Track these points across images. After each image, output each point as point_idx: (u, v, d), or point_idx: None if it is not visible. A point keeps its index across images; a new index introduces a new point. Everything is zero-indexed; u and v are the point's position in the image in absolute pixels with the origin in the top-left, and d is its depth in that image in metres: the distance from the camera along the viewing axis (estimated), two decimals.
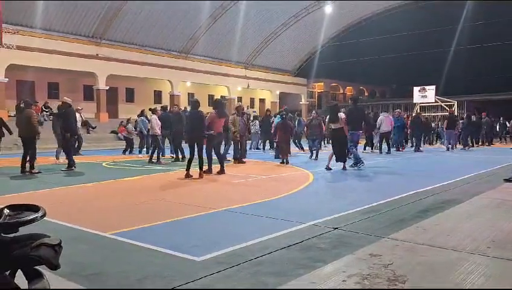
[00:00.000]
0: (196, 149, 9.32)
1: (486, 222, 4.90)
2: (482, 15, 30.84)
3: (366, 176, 9.77)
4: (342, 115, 10.67)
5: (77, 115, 15.29)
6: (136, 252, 3.95)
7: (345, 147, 10.59)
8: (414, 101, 30.95)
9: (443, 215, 5.29)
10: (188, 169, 9.21)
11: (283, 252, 3.84)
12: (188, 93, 32.64)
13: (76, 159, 12.91)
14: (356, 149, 11.20)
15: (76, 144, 15.20)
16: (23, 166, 9.93)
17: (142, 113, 15.93)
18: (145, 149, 15.24)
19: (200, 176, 9.11)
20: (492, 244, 3.97)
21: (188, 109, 13.98)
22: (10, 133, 12.92)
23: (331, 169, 10.31)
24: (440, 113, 30.34)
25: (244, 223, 5.19)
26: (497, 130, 25.39)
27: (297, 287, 3.06)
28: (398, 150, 17.37)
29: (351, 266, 3.42)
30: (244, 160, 12.57)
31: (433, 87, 30.15)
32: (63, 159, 12.05)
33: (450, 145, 17.83)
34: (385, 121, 16.29)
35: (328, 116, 10.97)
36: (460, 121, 20.05)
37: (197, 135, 9.29)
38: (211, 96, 34.24)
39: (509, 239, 4.22)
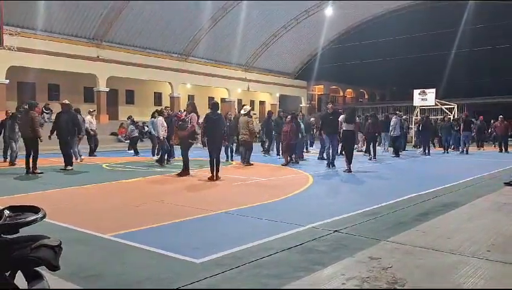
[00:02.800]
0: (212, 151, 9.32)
1: (487, 225, 4.90)
2: (483, 17, 30.84)
3: (367, 179, 9.77)
4: (356, 118, 11.49)
5: (89, 116, 15.67)
6: (135, 253, 3.95)
7: (353, 148, 11.32)
8: (414, 104, 30.89)
9: (443, 218, 5.29)
10: (212, 171, 9.21)
11: (283, 255, 3.84)
12: (188, 95, 32.65)
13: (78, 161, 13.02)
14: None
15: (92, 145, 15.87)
16: (28, 167, 10.10)
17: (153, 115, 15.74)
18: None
19: (211, 178, 9.11)
20: (493, 248, 3.96)
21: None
22: None
23: (351, 171, 10.46)
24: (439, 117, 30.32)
25: (244, 225, 5.18)
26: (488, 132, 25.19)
27: (298, 288, 3.06)
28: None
29: (350, 268, 3.42)
30: (251, 162, 12.63)
31: (433, 90, 30.11)
32: (85, 157, 13.03)
33: (465, 148, 18.06)
34: (398, 124, 16.24)
35: (344, 117, 11.06)
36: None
37: (219, 138, 9.47)
38: (211, 99, 34.21)
39: (510, 243, 4.22)
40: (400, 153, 16.26)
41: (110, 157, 15.16)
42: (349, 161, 10.61)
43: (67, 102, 11.47)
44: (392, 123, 16.24)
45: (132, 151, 16.74)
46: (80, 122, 12.27)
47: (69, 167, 10.87)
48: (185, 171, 9.74)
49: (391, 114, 17.83)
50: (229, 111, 19.60)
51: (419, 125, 18.26)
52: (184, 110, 10.47)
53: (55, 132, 11.01)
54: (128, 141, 18.36)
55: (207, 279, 3.22)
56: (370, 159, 14.21)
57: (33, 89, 24.13)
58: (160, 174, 10.35)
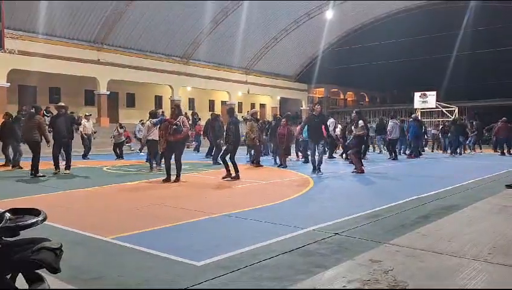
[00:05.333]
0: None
1: (488, 228, 4.89)
2: (484, 19, 30.87)
3: (367, 181, 9.76)
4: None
5: (84, 120, 16.02)
6: (136, 256, 3.95)
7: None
8: (415, 107, 30.95)
9: (444, 221, 5.28)
10: (236, 171, 9.69)
11: (284, 257, 3.83)
12: (189, 98, 32.69)
13: (78, 163, 13.03)
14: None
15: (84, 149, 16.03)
16: (32, 169, 10.14)
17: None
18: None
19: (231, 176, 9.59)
20: (494, 251, 3.95)
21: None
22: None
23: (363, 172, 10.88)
24: (440, 119, 30.32)
25: (245, 228, 5.18)
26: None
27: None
28: (414, 156, 17.00)
29: (351, 271, 3.41)
30: (261, 164, 12.94)
31: (434, 92, 30.16)
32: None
33: (459, 150, 18.69)
34: (396, 128, 16.31)
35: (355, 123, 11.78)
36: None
37: (239, 140, 10.13)
38: (211, 102, 34.32)
39: (511, 245, 4.21)
40: (396, 156, 16.30)
41: (111, 161, 15.17)
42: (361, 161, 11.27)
43: (62, 104, 11.52)
44: (388, 127, 16.37)
45: (140, 153, 16.74)
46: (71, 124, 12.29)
47: (67, 171, 10.78)
48: (177, 177, 9.27)
49: (392, 117, 17.92)
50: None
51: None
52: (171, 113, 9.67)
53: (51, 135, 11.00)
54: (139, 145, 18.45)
55: (208, 281, 3.22)
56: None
57: (34, 92, 24.19)
58: (161, 177, 10.33)
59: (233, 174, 9.64)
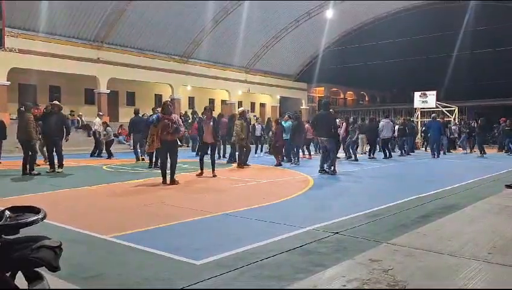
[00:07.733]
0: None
1: (488, 228, 4.88)
2: (484, 20, 30.84)
3: (367, 181, 9.76)
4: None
5: (97, 119, 16.44)
6: (135, 255, 3.95)
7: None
8: (415, 106, 30.88)
9: (444, 221, 5.28)
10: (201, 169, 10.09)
11: (283, 257, 3.84)
12: (189, 97, 32.67)
13: (78, 161, 13.03)
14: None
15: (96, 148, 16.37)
16: (24, 168, 10.10)
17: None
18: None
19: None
20: (494, 250, 3.95)
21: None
22: (4, 138, 12.98)
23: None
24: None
25: (245, 227, 5.18)
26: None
27: (298, 289, 3.06)
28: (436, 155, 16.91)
29: (351, 270, 3.41)
30: (248, 164, 12.75)
31: (434, 92, 30.07)
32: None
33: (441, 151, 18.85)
34: (386, 127, 16.32)
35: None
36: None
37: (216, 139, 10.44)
38: (211, 101, 34.31)
39: (511, 245, 4.20)
40: (391, 155, 16.32)
41: (110, 159, 15.16)
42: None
43: (57, 102, 11.50)
44: (379, 126, 16.47)
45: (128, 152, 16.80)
46: (69, 124, 12.39)
47: (60, 169, 10.69)
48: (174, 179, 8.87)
49: (386, 117, 18.13)
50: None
51: (404, 128, 18.41)
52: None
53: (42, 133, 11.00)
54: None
55: (207, 280, 3.22)
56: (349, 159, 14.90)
57: (34, 90, 24.15)
58: (159, 175, 10.32)
59: (200, 172, 10.08)
